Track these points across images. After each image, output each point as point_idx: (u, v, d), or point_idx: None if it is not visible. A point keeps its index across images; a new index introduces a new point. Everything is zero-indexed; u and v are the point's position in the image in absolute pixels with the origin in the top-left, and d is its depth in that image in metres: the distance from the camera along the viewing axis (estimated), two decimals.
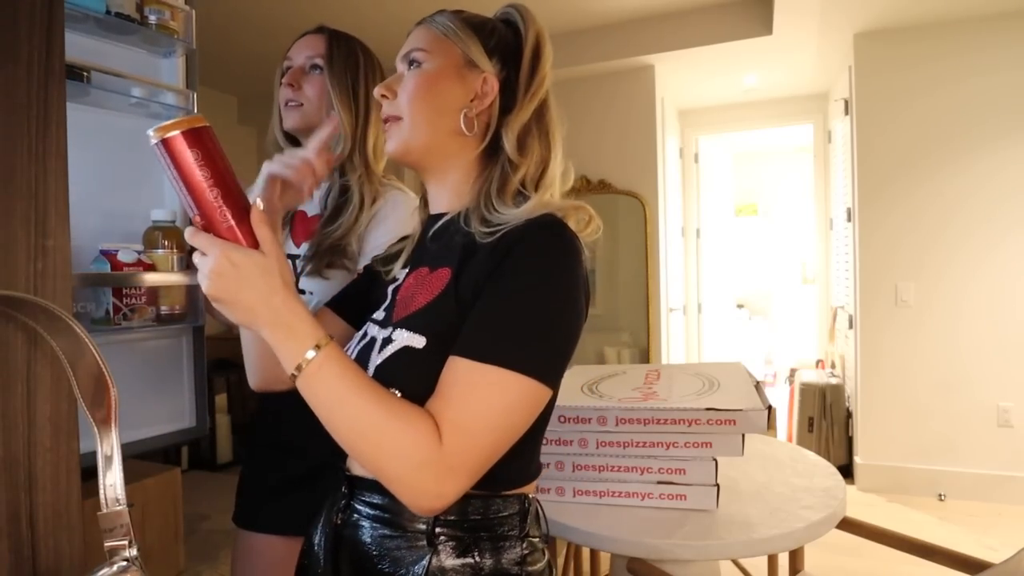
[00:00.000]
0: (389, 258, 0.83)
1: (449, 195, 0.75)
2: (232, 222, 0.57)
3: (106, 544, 0.44)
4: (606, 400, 1.19)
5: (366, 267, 0.90)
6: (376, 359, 0.68)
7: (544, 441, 1.17)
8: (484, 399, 0.58)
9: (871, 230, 3.16)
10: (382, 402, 0.58)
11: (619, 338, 3.77)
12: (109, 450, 0.44)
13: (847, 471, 3.29)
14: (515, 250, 0.63)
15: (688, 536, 1.05)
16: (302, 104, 1.14)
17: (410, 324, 0.67)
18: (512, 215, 0.66)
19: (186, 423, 1.30)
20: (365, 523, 0.68)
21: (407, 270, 0.78)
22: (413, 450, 0.56)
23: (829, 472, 1.34)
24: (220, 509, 3.01)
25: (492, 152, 0.73)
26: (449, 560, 0.64)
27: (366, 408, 0.57)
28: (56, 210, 0.45)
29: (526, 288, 0.62)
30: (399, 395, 0.61)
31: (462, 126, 0.71)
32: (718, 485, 1.13)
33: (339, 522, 0.71)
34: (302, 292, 1.12)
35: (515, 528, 0.68)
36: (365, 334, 0.75)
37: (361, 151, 1.15)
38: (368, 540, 0.68)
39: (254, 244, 0.58)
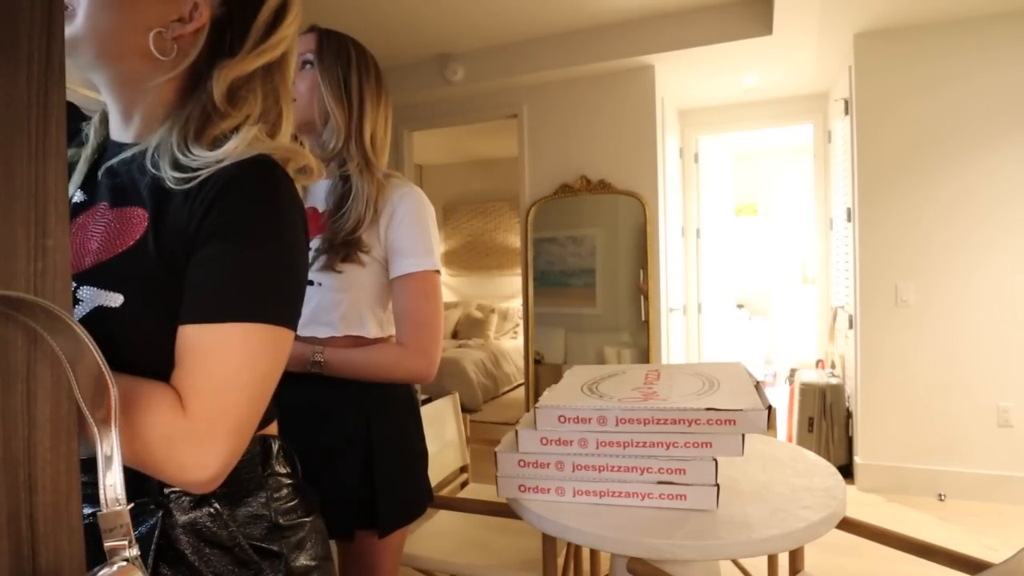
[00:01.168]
0: None
1: (137, 125, 0.66)
2: None
3: (106, 544, 0.44)
4: (606, 400, 1.19)
5: None
6: None
7: (544, 441, 1.19)
8: (224, 358, 0.55)
9: (871, 230, 3.16)
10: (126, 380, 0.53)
11: (619, 338, 3.77)
12: (109, 450, 0.44)
13: (847, 471, 3.29)
14: (226, 196, 0.57)
15: (688, 536, 1.05)
16: (294, 99, 1.14)
17: (99, 279, 0.58)
18: (211, 157, 0.60)
19: None
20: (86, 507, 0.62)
21: (77, 197, 0.67)
22: (155, 427, 0.52)
23: (829, 472, 1.34)
24: None
25: (192, 88, 0.65)
26: (183, 516, 0.61)
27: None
28: (56, 210, 0.45)
29: (245, 236, 0.58)
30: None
31: (151, 46, 0.61)
32: (718, 485, 1.13)
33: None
34: (311, 283, 1.13)
35: (255, 469, 0.66)
36: None
37: (358, 142, 1.16)
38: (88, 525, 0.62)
39: None
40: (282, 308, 0.59)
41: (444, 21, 3.31)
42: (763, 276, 6.38)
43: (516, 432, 1.22)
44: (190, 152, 0.60)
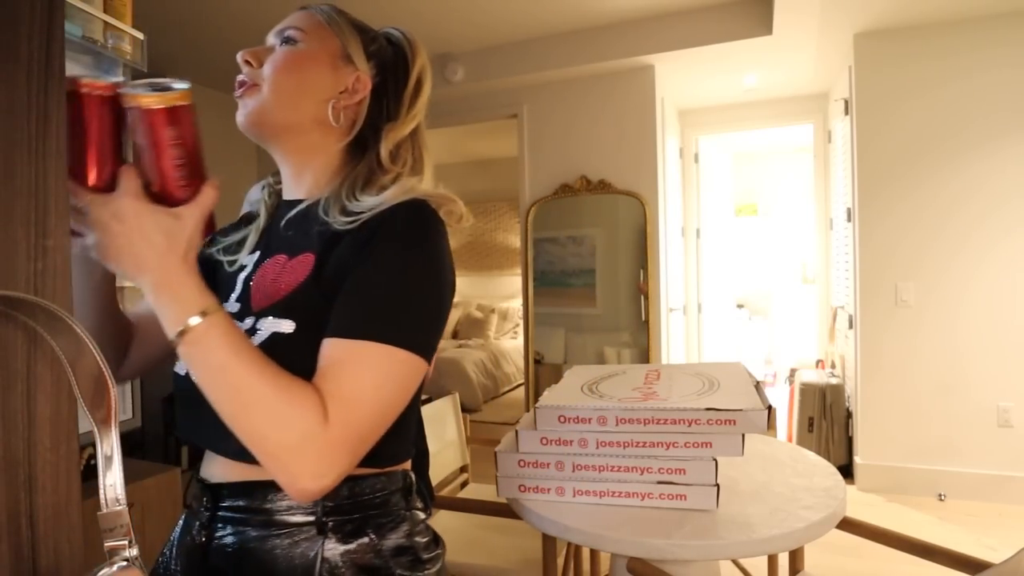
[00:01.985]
0: (232, 246, 0.79)
1: (308, 184, 0.75)
2: (161, 179, 0.56)
3: (106, 544, 0.44)
4: (606, 400, 1.19)
5: (200, 257, 0.82)
6: None
7: (544, 441, 1.19)
8: (358, 372, 0.58)
9: (871, 230, 3.16)
10: (267, 373, 0.56)
11: (619, 338, 3.77)
12: (109, 450, 0.44)
13: (847, 471, 3.29)
14: (380, 230, 0.64)
15: (688, 536, 1.05)
16: None
17: (276, 311, 0.65)
18: (375, 201, 0.66)
19: (124, 416, 1.33)
20: (232, 533, 0.64)
21: (256, 256, 0.75)
22: (298, 420, 0.55)
23: (829, 472, 1.34)
24: None
25: (356, 150, 0.75)
26: (342, 545, 0.63)
27: (251, 378, 0.55)
28: (56, 210, 0.45)
29: (393, 264, 0.62)
30: None
31: (329, 115, 0.71)
32: (718, 485, 1.13)
33: (203, 540, 0.66)
34: None
35: (401, 503, 0.69)
36: None
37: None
38: (238, 549, 0.63)
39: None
40: (417, 336, 0.61)
41: (444, 21, 3.31)
42: (763, 276, 6.38)
43: (516, 432, 1.22)
44: (356, 200, 0.68)
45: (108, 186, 0.55)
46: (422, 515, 0.73)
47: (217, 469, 0.67)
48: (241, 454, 0.59)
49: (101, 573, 0.42)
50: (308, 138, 0.73)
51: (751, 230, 6.36)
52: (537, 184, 3.89)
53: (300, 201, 0.74)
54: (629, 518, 1.12)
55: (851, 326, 3.36)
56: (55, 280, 0.44)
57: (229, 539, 0.65)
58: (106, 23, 1.23)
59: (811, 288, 5.24)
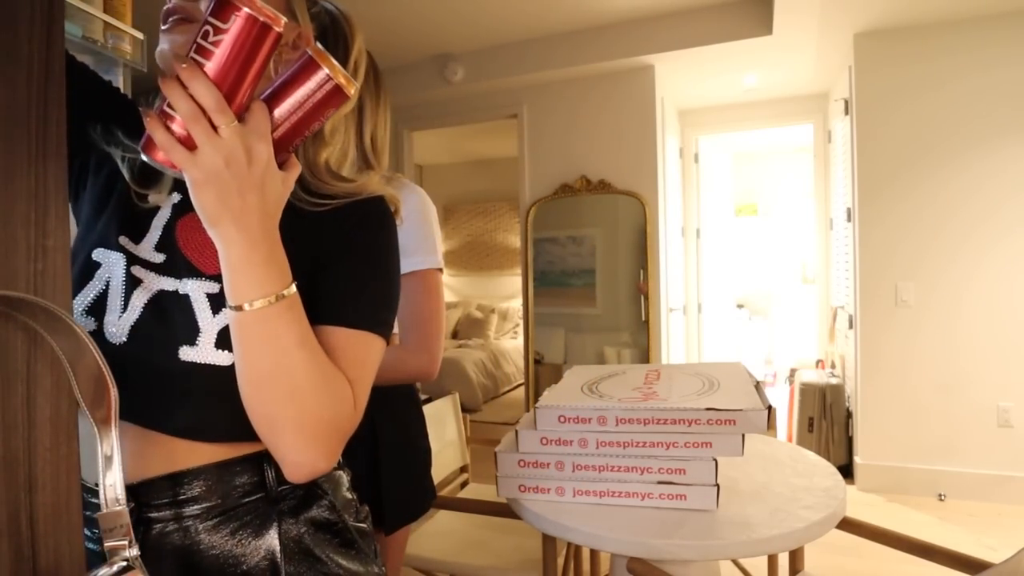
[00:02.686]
0: (138, 168, 0.67)
1: None
2: (281, 136, 0.52)
3: (106, 544, 0.44)
4: (606, 400, 1.19)
5: (98, 156, 0.71)
6: (204, 320, 0.59)
7: (544, 441, 1.19)
8: (370, 363, 0.62)
9: (871, 230, 3.16)
10: (323, 355, 0.56)
11: (619, 338, 3.77)
12: (109, 450, 0.44)
13: (847, 471, 3.29)
14: (366, 226, 0.66)
15: (688, 536, 1.05)
16: None
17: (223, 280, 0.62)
18: (342, 189, 0.66)
19: None
20: (187, 525, 0.58)
21: (175, 200, 0.67)
22: (342, 404, 0.57)
23: (829, 472, 1.34)
24: None
25: None
26: (300, 511, 0.63)
27: (316, 358, 0.55)
28: (56, 210, 0.45)
29: (382, 262, 0.66)
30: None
31: (270, 66, 0.66)
32: (718, 485, 1.13)
33: (151, 547, 0.58)
34: None
35: (341, 468, 0.72)
36: (135, 280, 0.62)
37: (358, 144, 1.15)
38: (193, 545, 0.58)
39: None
40: (391, 327, 0.67)
41: (444, 21, 3.31)
42: (763, 276, 6.38)
43: (516, 432, 1.22)
44: (316, 178, 0.66)
45: (240, 116, 0.50)
46: (346, 472, 0.74)
47: (135, 458, 0.58)
48: (189, 431, 0.57)
49: (101, 573, 0.42)
50: None
51: (751, 230, 6.36)
52: (537, 184, 3.89)
53: None
54: (629, 518, 1.12)
55: (851, 326, 3.36)
56: (55, 280, 0.44)
57: (163, 539, 0.58)
58: (106, 23, 1.23)
59: (811, 288, 5.24)
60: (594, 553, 1.89)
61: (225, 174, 0.48)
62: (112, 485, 0.44)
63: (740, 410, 1.09)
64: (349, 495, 0.70)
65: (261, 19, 0.47)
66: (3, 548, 0.40)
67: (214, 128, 0.47)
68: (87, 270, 0.63)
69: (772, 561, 1.64)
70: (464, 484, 2.06)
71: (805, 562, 1.50)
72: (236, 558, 0.59)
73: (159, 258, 0.63)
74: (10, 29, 0.43)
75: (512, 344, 5.97)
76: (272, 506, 0.61)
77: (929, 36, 3.03)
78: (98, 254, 0.64)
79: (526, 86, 3.84)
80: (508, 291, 6.68)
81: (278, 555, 0.60)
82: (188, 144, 0.48)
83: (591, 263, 3.81)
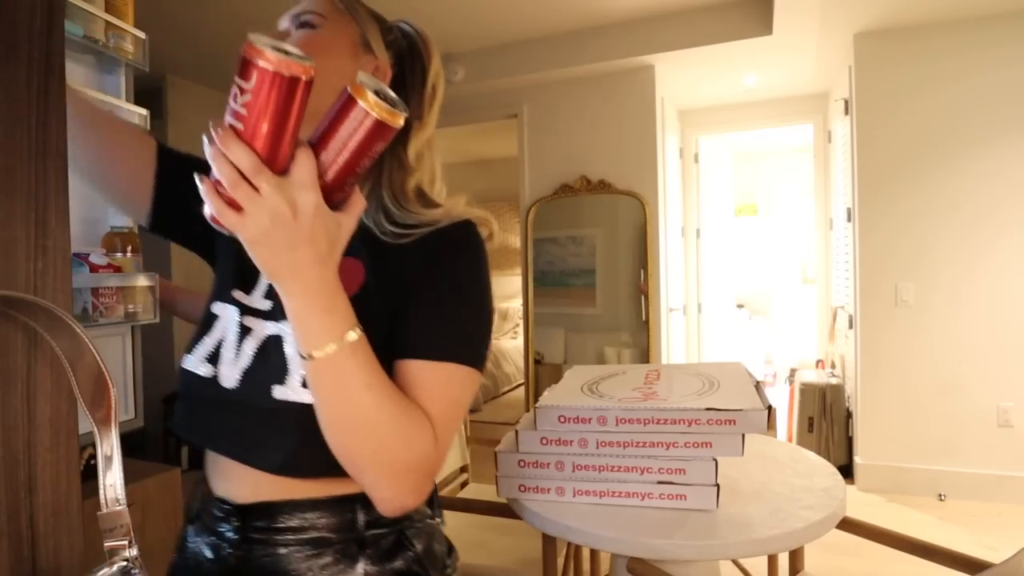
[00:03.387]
0: None
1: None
2: (333, 178, 0.51)
3: (106, 544, 0.44)
4: (606, 400, 1.19)
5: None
6: (293, 359, 0.62)
7: (544, 441, 1.19)
8: (457, 399, 0.61)
9: (871, 230, 3.16)
10: (399, 395, 0.57)
11: (619, 338, 3.76)
12: (109, 450, 0.44)
13: (847, 471, 3.29)
14: (448, 256, 0.64)
15: (688, 536, 1.05)
16: None
17: None
18: (427, 217, 0.65)
19: (125, 415, 1.34)
20: (265, 554, 0.62)
21: None
22: (420, 442, 0.56)
23: (829, 472, 1.34)
24: None
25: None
26: (382, 560, 0.64)
27: (388, 400, 0.55)
28: (56, 210, 0.45)
29: (469, 289, 0.65)
30: None
31: None
32: (718, 485, 1.13)
33: (233, 563, 0.63)
34: None
35: (427, 512, 0.72)
36: (246, 328, 0.66)
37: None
38: (287, 571, 0.62)
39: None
40: (485, 355, 0.65)
41: (444, 21, 3.31)
42: (763, 276, 6.38)
43: (516, 432, 1.22)
44: (403, 208, 0.66)
45: (285, 168, 0.49)
46: (440, 523, 0.75)
47: (243, 488, 0.63)
48: (285, 468, 0.60)
49: (101, 573, 0.42)
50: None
51: (751, 230, 6.36)
52: (537, 184, 3.89)
53: None
54: (629, 518, 1.12)
55: (851, 326, 3.36)
56: (55, 280, 0.44)
57: (261, 561, 0.62)
58: (108, 22, 1.22)
59: (811, 288, 5.24)
60: (594, 553, 1.89)
61: (273, 232, 0.48)
62: (112, 485, 0.44)
63: (740, 410, 1.09)
64: (439, 548, 0.71)
65: (284, 73, 0.45)
66: (3, 548, 0.40)
67: (256, 189, 0.47)
68: (208, 321, 0.68)
69: (772, 561, 1.64)
70: (464, 484, 2.06)
71: (805, 562, 1.50)
72: None
73: (267, 305, 0.66)
74: (10, 28, 0.43)
75: (512, 344, 5.97)
76: (360, 549, 0.63)
77: (929, 36, 3.03)
78: (216, 307, 0.68)
79: (526, 86, 3.84)
80: (508, 291, 6.67)
81: None
82: (236, 207, 0.48)
83: (591, 263, 3.81)
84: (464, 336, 0.63)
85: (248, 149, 0.46)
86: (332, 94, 0.60)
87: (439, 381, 0.60)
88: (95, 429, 0.44)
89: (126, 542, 0.44)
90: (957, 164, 3.01)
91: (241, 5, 2.98)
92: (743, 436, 1.12)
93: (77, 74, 1.23)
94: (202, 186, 0.48)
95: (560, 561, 1.63)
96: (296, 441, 0.59)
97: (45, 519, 0.43)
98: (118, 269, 1.23)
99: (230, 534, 0.64)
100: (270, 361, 0.62)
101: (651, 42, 3.36)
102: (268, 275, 0.51)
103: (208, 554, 0.65)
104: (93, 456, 0.44)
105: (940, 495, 3.02)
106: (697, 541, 1.04)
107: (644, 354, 3.66)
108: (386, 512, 0.59)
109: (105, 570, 0.42)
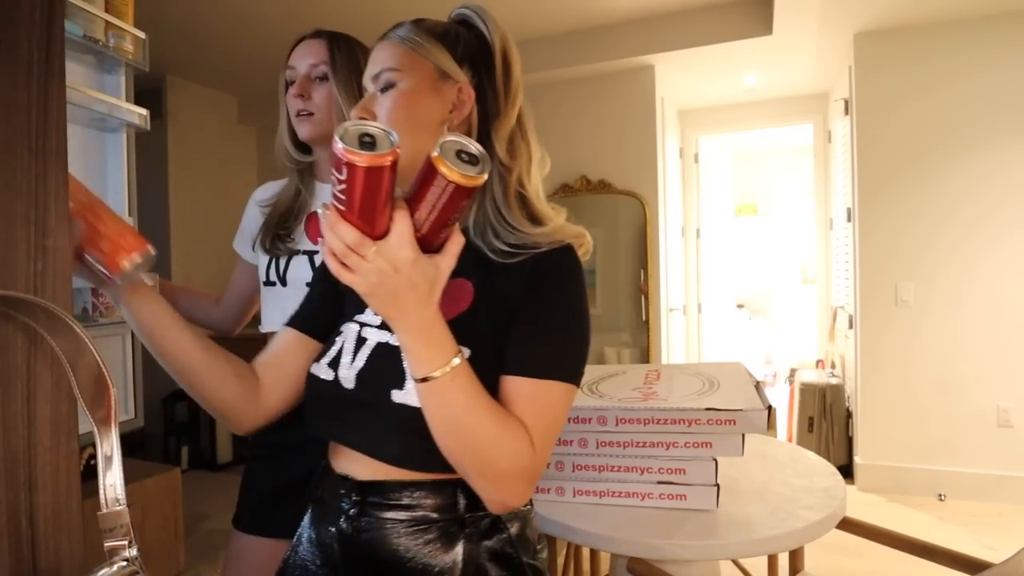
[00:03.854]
0: None
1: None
2: (428, 231, 0.59)
3: (106, 544, 0.44)
4: (606, 400, 1.19)
5: (320, 269, 0.86)
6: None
7: None
8: (554, 412, 0.67)
9: (871, 230, 3.16)
10: (498, 411, 0.64)
11: (619, 338, 3.77)
12: (109, 450, 0.44)
13: (847, 471, 3.29)
14: (546, 276, 0.70)
15: (688, 536, 1.05)
16: (312, 113, 1.15)
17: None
18: (530, 239, 0.71)
19: (125, 415, 1.34)
20: (377, 527, 0.69)
21: None
22: (519, 453, 0.63)
23: (829, 472, 1.34)
24: (220, 509, 3.01)
25: None
26: (481, 539, 0.70)
27: (489, 414, 0.63)
28: (56, 210, 0.45)
29: (567, 311, 0.71)
30: None
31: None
32: (718, 485, 1.13)
33: (350, 532, 0.70)
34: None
35: (531, 507, 0.78)
36: (362, 339, 0.74)
37: None
38: (383, 542, 0.69)
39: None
40: (581, 372, 0.72)
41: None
42: (763, 276, 6.38)
43: None
44: (507, 224, 0.72)
45: (386, 229, 0.58)
46: (532, 511, 0.80)
47: (363, 468, 0.71)
48: (400, 461, 0.68)
49: (101, 573, 0.42)
50: None
51: (751, 230, 6.36)
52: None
53: None
54: (629, 518, 1.12)
55: (851, 326, 3.36)
56: (55, 280, 0.44)
57: (374, 533, 0.69)
58: (108, 22, 1.22)
59: (811, 288, 5.24)
60: (594, 553, 1.89)
61: (379, 287, 0.58)
62: (112, 485, 0.44)
63: (740, 410, 1.09)
64: (531, 533, 0.76)
65: (364, 165, 0.52)
66: (3, 548, 0.40)
67: (362, 256, 0.57)
68: (334, 336, 0.77)
69: (772, 561, 1.64)
70: None
71: (805, 562, 1.50)
72: (426, 564, 0.68)
73: (378, 320, 0.75)
74: (10, 28, 0.43)
75: None
76: (460, 529, 0.69)
77: (929, 36, 3.03)
78: (343, 325, 0.77)
79: (526, 86, 3.78)
80: None
81: (458, 570, 0.68)
82: (349, 269, 0.58)
83: (591, 263, 3.81)
84: (562, 355, 0.69)
85: (349, 226, 0.55)
86: (430, 135, 0.72)
87: (538, 396, 0.66)
88: (95, 429, 0.44)
89: (126, 542, 0.44)
90: (957, 164, 3.01)
91: (241, 5, 2.98)
92: (743, 436, 1.12)
93: (77, 74, 1.22)
94: (322, 250, 0.59)
95: (560, 561, 1.63)
96: (410, 438, 0.66)
97: (45, 519, 0.43)
98: None
99: (348, 507, 0.71)
100: (386, 367, 0.70)
101: (651, 42, 3.36)
102: (387, 319, 0.61)
103: (318, 526, 0.74)
104: (93, 456, 0.44)
105: (940, 495, 3.02)
106: (697, 541, 1.04)
107: (644, 354, 3.66)
108: (492, 510, 0.68)
109: (105, 570, 0.42)
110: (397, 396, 0.68)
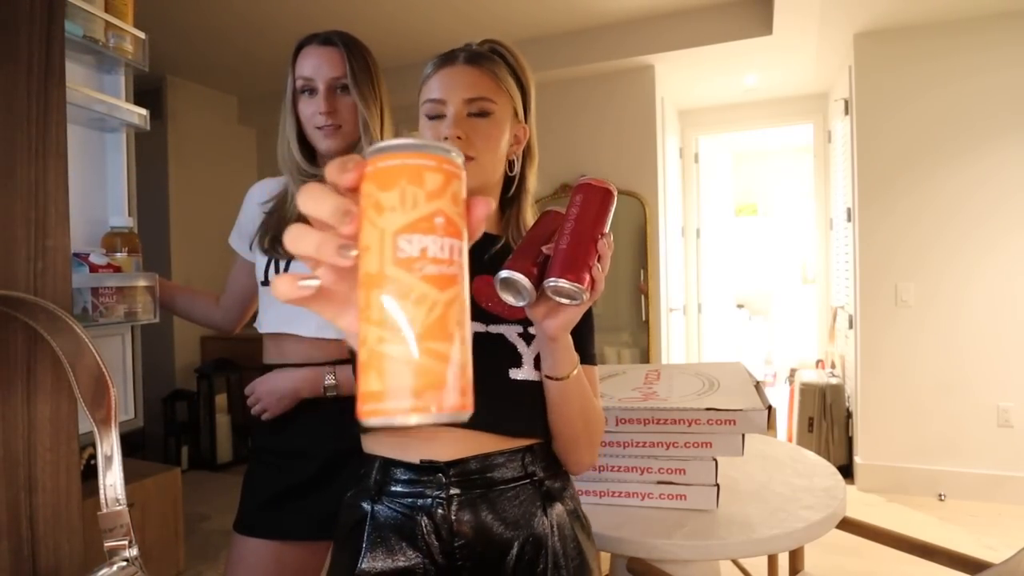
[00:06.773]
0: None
1: (489, 219, 0.89)
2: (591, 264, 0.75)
3: (106, 544, 0.44)
4: (606, 400, 1.19)
5: None
6: (523, 350, 0.81)
7: None
8: (597, 390, 0.84)
9: (871, 230, 3.16)
10: (594, 393, 0.81)
11: (619, 338, 3.76)
12: (109, 450, 0.44)
13: (847, 471, 3.29)
14: None
15: (688, 536, 1.05)
16: (341, 126, 1.13)
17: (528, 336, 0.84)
18: None
19: (125, 415, 1.35)
20: (467, 499, 0.76)
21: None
22: (602, 424, 0.83)
23: (829, 472, 1.34)
24: (220, 509, 3.01)
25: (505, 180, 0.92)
26: (559, 499, 0.81)
27: (590, 399, 0.79)
28: (56, 210, 0.45)
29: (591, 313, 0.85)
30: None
31: (506, 167, 0.88)
32: (718, 485, 1.13)
33: (445, 512, 0.76)
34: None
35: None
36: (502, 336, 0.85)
37: None
38: (475, 512, 0.76)
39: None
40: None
41: (444, 21, 3.31)
42: (763, 276, 6.38)
43: None
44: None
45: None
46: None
47: (446, 448, 0.77)
48: (490, 425, 0.77)
49: (101, 573, 0.42)
50: (496, 191, 0.90)
51: (751, 230, 6.36)
52: (537, 184, 3.88)
53: (497, 236, 0.89)
54: (629, 518, 1.12)
55: (851, 326, 3.36)
56: (55, 280, 0.44)
57: (474, 502, 0.76)
58: (107, 22, 1.22)
59: (811, 288, 5.24)
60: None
61: (564, 314, 0.71)
62: (112, 485, 0.44)
63: (740, 410, 1.09)
64: (573, 495, 0.88)
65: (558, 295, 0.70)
66: (3, 548, 0.40)
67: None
68: None
69: (772, 561, 1.64)
70: None
71: (805, 562, 1.50)
72: (521, 522, 0.77)
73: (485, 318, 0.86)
74: (10, 28, 0.43)
75: None
76: (538, 489, 0.79)
77: (929, 36, 3.02)
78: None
79: None
80: None
81: (547, 526, 0.78)
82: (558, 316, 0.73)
83: None
84: (593, 344, 0.85)
85: (571, 280, 0.72)
86: (502, 163, 0.87)
87: (593, 379, 0.82)
88: (95, 429, 0.44)
89: (126, 542, 0.44)
90: (957, 164, 3.01)
91: (241, 5, 2.98)
92: (743, 436, 1.12)
93: (77, 74, 1.23)
94: (532, 315, 0.72)
95: None
96: (523, 409, 0.78)
97: (45, 519, 0.43)
98: (118, 269, 1.23)
99: (436, 490, 0.76)
100: (495, 351, 0.80)
101: (651, 42, 3.36)
102: (558, 336, 0.72)
103: (413, 514, 0.77)
104: (93, 456, 0.44)
105: (940, 495, 3.02)
106: (697, 541, 1.04)
107: (644, 354, 3.66)
108: (575, 472, 0.84)
109: (105, 570, 0.42)
110: (515, 374, 0.79)
